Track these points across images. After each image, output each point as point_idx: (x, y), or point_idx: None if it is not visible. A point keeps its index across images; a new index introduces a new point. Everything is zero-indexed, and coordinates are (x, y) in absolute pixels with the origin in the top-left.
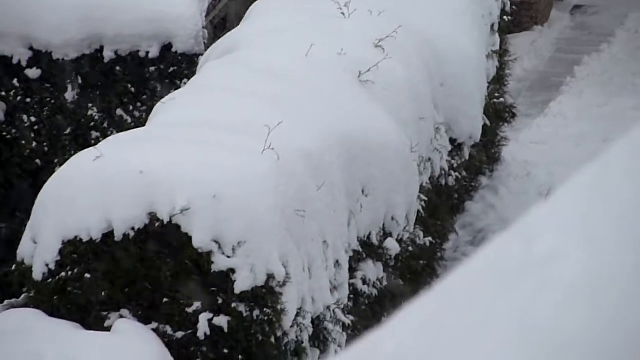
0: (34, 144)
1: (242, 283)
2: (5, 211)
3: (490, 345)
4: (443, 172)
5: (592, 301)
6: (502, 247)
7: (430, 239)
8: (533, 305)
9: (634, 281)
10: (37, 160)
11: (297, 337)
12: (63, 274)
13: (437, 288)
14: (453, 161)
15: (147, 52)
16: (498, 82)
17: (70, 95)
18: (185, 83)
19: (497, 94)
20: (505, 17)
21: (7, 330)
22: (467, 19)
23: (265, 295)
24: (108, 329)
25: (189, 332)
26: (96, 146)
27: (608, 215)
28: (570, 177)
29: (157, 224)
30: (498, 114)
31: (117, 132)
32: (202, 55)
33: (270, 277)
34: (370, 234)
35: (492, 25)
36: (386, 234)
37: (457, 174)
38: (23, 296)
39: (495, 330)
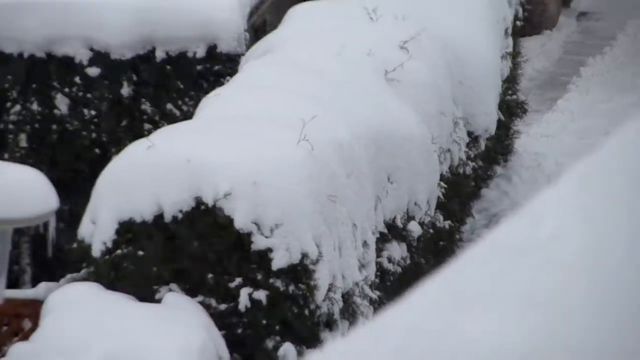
0: (93, 135)
1: (279, 261)
2: (67, 195)
3: (500, 315)
4: (461, 162)
5: (589, 277)
6: (511, 229)
7: (449, 222)
8: (537, 280)
9: (627, 259)
10: (96, 150)
11: (328, 310)
12: (118, 251)
13: (452, 265)
14: (470, 152)
15: (195, 53)
16: (511, 81)
17: (125, 91)
18: (228, 80)
19: (510, 92)
20: (517, 22)
21: (69, 301)
22: (484, 23)
23: (300, 272)
24: (158, 301)
25: (231, 304)
26: (148, 137)
27: (604, 200)
28: (573, 166)
29: (202, 208)
30: (511, 109)
31: (167, 124)
32: (243, 55)
33: (305, 256)
34: (395, 218)
35: (506, 30)
36: (409, 218)
37: (473, 163)
38: (83, 271)
39: (504, 303)
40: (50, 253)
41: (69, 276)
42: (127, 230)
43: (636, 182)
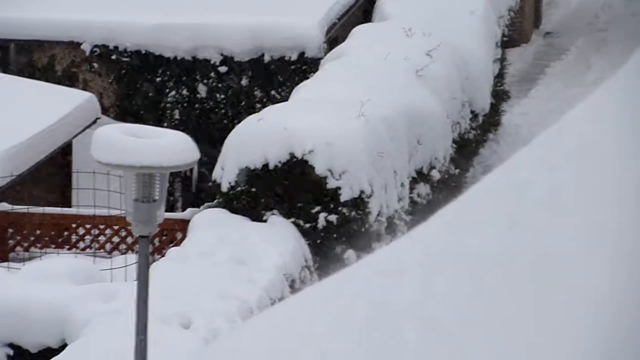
0: (222, 111)
1: (345, 195)
2: (210, 151)
3: (487, 233)
4: (466, 131)
5: (549, 206)
6: (497, 175)
7: (459, 170)
8: (515, 210)
9: (581, 195)
10: (224, 121)
11: (377, 228)
12: (239, 188)
13: (458, 199)
14: (472, 124)
15: (290, 57)
16: (499, 77)
17: (244, 82)
18: (312, 76)
19: (498, 84)
20: (504, 38)
21: (206, 220)
22: (481, 38)
23: (359, 203)
24: (264, 222)
25: (313, 224)
26: (259, 113)
27: (564, 155)
28: (543, 132)
29: (294, 160)
30: (499, 96)
31: (271, 104)
32: (322, 59)
33: (362, 192)
34: (422, 167)
35: (496, 43)
36: (432, 167)
37: (474, 132)
38: (216, 201)
39: (492, 224)
40: (194, 189)
41: (206, 204)
42: (245, 174)
43: (584, 144)
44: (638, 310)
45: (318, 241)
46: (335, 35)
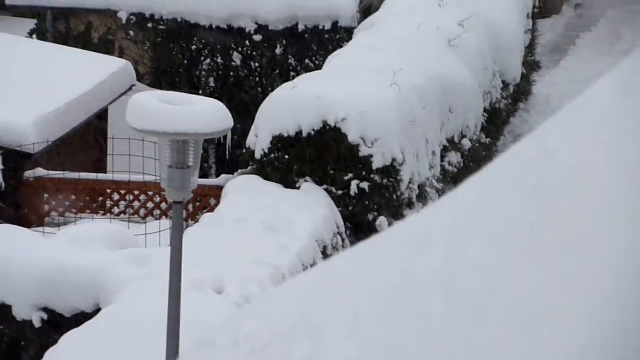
0: (257, 79)
1: (377, 163)
2: (243, 119)
3: (514, 201)
4: (497, 100)
5: (577, 178)
6: (528, 145)
7: (489, 139)
8: (542, 178)
9: (605, 165)
10: (259, 89)
11: (409, 195)
12: (272, 155)
13: (485, 169)
14: (503, 93)
15: (324, 26)
16: (530, 47)
17: (278, 51)
18: (345, 45)
19: (530, 55)
20: (535, 9)
21: (240, 187)
22: (513, 9)
23: (390, 170)
24: (298, 188)
25: (345, 191)
26: (293, 81)
27: (591, 124)
28: (572, 101)
29: (327, 127)
30: (530, 66)
31: (305, 73)
32: (356, 28)
33: (394, 160)
34: (453, 136)
35: (528, 14)
36: (463, 136)
37: (505, 101)
38: (249, 168)
39: (517, 197)
40: (227, 156)
41: (240, 171)
42: (278, 142)
43: (611, 113)
44: None
45: (350, 208)
46: (369, 5)
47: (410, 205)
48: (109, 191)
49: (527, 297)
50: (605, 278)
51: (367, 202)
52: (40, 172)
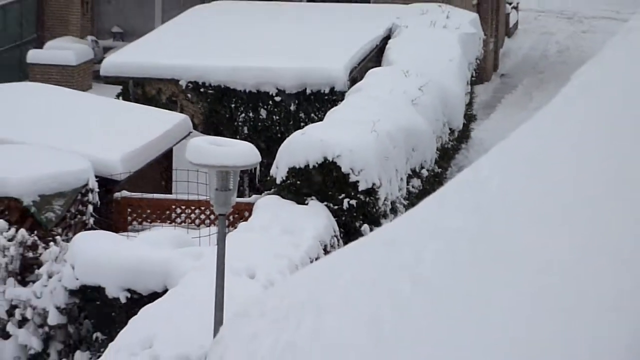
0: (277, 127)
1: (362, 186)
2: (268, 155)
3: (465, 211)
4: (446, 142)
5: (502, 197)
6: (467, 173)
7: (440, 170)
8: (480, 194)
9: (525, 189)
10: (279, 135)
11: (384, 209)
12: (288, 181)
13: (438, 191)
14: (450, 137)
15: (324, 90)
16: (469, 105)
17: (292, 107)
18: (339, 104)
19: (468, 110)
20: (472, 77)
21: (266, 203)
22: (458, 77)
23: (371, 191)
24: (305, 204)
25: (339, 206)
26: (303, 129)
27: (513, 159)
28: (499, 142)
29: (326, 162)
30: (469, 118)
31: (312, 123)
32: (346, 92)
33: (374, 184)
34: (415, 167)
35: (467, 81)
36: (422, 167)
37: (452, 143)
38: (272, 190)
39: (460, 212)
40: (257, 183)
41: (265, 192)
42: (292, 172)
43: (528, 152)
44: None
45: (343, 218)
46: (356, 76)
47: (385, 216)
48: (173, 207)
49: (471, 285)
50: (528, 276)
51: (354, 214)
52: (125, 193)
